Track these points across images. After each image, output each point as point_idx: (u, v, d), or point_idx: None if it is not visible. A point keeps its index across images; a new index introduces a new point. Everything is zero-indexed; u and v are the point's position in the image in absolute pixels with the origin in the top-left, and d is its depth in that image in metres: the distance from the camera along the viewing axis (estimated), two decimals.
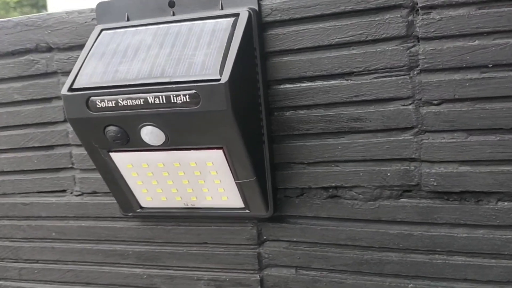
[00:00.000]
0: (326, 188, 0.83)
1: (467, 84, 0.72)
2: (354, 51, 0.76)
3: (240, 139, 0.72)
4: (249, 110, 0.77)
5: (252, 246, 0.89)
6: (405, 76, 0.75)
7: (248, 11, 0.76)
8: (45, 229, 1.01)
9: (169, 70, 0.72)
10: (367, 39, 0.75)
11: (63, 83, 0.92)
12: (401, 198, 0.79)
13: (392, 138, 0.77)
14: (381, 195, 0.80)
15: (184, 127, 0.73)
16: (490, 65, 0.71)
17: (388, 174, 0.78)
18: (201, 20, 0.78)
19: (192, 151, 0.77)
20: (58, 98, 0.94)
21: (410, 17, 0.73)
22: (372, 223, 0.82)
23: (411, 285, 0.81)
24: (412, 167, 0.77)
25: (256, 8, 0.78)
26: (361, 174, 0.80)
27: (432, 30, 0.72)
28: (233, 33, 0.74)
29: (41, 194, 1.00)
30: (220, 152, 0.75)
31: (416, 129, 0.76)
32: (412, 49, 0.74)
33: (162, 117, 0.72)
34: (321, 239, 0.85)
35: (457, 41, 0.72)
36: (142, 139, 0.75)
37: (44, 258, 1.03)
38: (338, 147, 0.80)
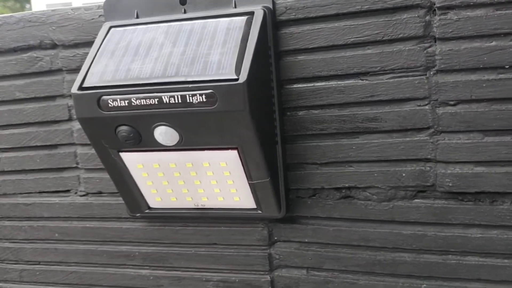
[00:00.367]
0: (339, 189, 0.82)
1: (483, 85, 0.72)
2: (369, 51, 0.75)
3: (255, 139, 0.71)
4: (264, 110, 0.76)
5: (263, 247, 0.88)
6: (422, 77, 0.74)
7: (263, 10, 0.75)
8: (48, 230, 0.99)
9: (184, 69, 0.70)
10: (383, 39, 0.74)
11: (68, 81, 0.91)
12: (415, 198, 0.79)
13: (407, 139, 0.77)
14: (395, 195, 0.79)
15: (199, 127, 0.71)
16: (507, 66, 0.71)
17: (403, 174, 0.78)
18: (215, 18, 0.76)
19: (206, 151, 0.75)
20: (62, 96, 0.92)
21: (427, 17, 0.72)
22: (386, 224, 0.81)
23: (424, 285, 0.81)
24: (428, 168, 0.77)
25: (271, 6, 0.77)
26: (375, 174, 0.79)
27: (450, 30, 0.72)
28: (249, 31, 0.72)
29: (43, 194, 0.98)
30: (235, 152, 0.74)
31: (432, 130, 0.75)
32: (429, 50, 0.73)
33: (177, 117, 0.70)
34: (333, 239, 0.84)
35: (474, 42, 0.71)
36: (155, 139, 0.73)
37: (46, 260, 1.01)
38: (353, 148, 0.79)
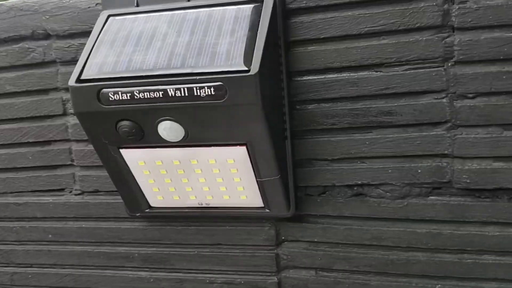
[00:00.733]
0: (351, 186, 0.79)
1: (504, 76, 0.69)
2: (385, 41, 0.72)
3: (266, 135, 0.67)
4: (274, 103, 0.72)
5: (270, 247, 0.84)
6: (439, 68, 0.71)
7: None
8: (41, 230, 0.94)
9: (191, 60, 0.66)
10: (399, 28, 0.71)
11: (62, 74, 0.86)
12: (431, 195, 0.76)
13: (424, 133, 0.73)
14: (410, 192, 0.76)
15: (206, 122, 0.67)
16: None
17: (419, 171, 0.75)
18: (221, 6, 0.72)
19: (212, 147, 0.71)
20: (56, 89, 0.87)
21: (446, 6, 0.69)
22: (399, 222, 0.78)
23: (439, 285, 0.78)
24: (444, 164, 0.74)
25: None
26: (389, 171, 0.76)
27: (469, 20, 0.68)
28: (258, 20, 0.68)
29: (36, 193, 0.93)
30: (243, 148, 0.70)
31: (450, 124, 0.72)
32: (447, 40, 0.70)
33: (183, 111, 0.66)
34: (344, 239, 0.81)
35: (494, 32, 0.68)
36: (159, 134, 0.69)
37: (39, 262, 0.96)
38: (366, 143, 0.76)
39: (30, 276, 0.98)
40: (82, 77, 0.68)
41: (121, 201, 0.86)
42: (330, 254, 0.82)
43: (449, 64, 0.70)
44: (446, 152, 0.73)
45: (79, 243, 0.93)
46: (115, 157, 0.75)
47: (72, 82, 0.68)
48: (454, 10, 0.69)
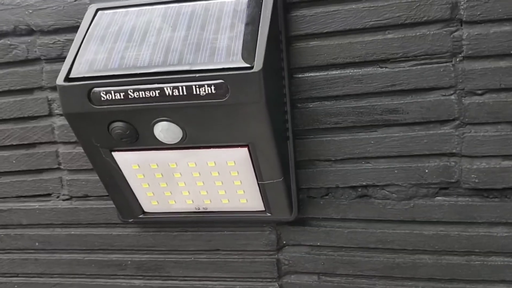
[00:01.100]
0: (355, 187, 0.75)
1: None
2: (390, 36, 0.68)
3: (270, 135, 0.64)
4: (277, 102, 0.68)
5: (271, 252, 0.81)
6: (447, 64, 0.68)
7: None
8: (27, 238, 0.89)
9: (188, 56, 0.62)
10: (405, 22, 0.68)
11: (47, 72, 0.81)
12: (437, 196, 0.73)
13: (431, 132, 0.70)
14: (416, 193, 0.73)
15: (206, 123, 0.63)
16: None
17: (426, 171, 0.72)
18: None
19: (211, 149, 0.67)
20: (40, 88, 0.82)
21: None
22: (405, 224, 0.75)
23: None
24: (452, 163, 0.71)
25: None
26: (395, 171, 0.73)
27: (478, 13, 0.66)
28: (259, 13, 0.64)
29: (21, 199, 0.88)
30: (245, 150, 0.66)
31: (458, 122, 0.69)
32: (455, 34, 0.67)
33: (181, 111, 0.62)
34: (348, 242, 0.78)
35: (504, 26, 0.65)
36: (154, 136, 0.65)
37: (25, 272, 0.91)
38: (371, 142, 0.72)
39: (16, 286, 0.93)
40: (71, 76, 0.64)
41: (113, 206, 0.81)
42: (334, 258, 0.79)
43: (457, 60, 0.68)
44: (454, 151, 0.70)
45: (68, 251, 0.88)
46: (107, 161, 0.71)
47: (60, 81, 0.63)
48: (462, 2, 0.66)
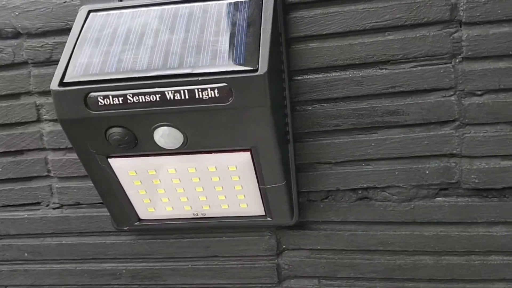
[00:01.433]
0: (355, 190, 0.75)
1: None
2: (390, 37, 0.68)
3: (273, 139, 0.62)
4: (279, 105, 0.67)
5: (270, 257, 0.80)
6: (447, 65, 0.68)
7: None
8: (15, 249, 0.86)
9: (189, 59, 0.60)
10: (405, 23, 0.67)
11: (35, 76, 0.78)
12: (437, 197, 0.73)
13: (431, 133, 0.70)
14: (417, 195, 0.73)
15: (208, 127, 0.61)
16: None
17: (427, 172, 0.72)
18: (216, 0, 0.66)
19: (213, 154, 0.66)
20: (28, 93, 0.79)
21: (453, 0, 0.66)
22: (406, 225, 0.75)
23: None
24: (453, 164, 0.71)
25: None
26: (396, 173, 0.72)
27: (477, 14, 0.66)
28: (260, 15, 0.63)
29: (9, 208, 0.84)
30: (247, 154, 0.65)
31: (458, 123, 0.70)
32: (455, 35, 0.67)
33: (183, 116, 0.60)
34: (348, 245, 0.77)
35: (503, 27, 0.66)
36: (154, 142, 0.63)
37: (14, 284, 0.88)
38: (371, 144, 0.72)
39: None
40: (66, 80, 0.61)
41: (105, 213, 0.79)
42: (334, 262, 0.78)
43: (457, 61, 0.68)
44: (454, 151, 0.71)
45: (59, 261, 0.85)
46: (102, 168, 0.68)
47: (54, 85, 0.61)
48: (462, 3, 0.66)
